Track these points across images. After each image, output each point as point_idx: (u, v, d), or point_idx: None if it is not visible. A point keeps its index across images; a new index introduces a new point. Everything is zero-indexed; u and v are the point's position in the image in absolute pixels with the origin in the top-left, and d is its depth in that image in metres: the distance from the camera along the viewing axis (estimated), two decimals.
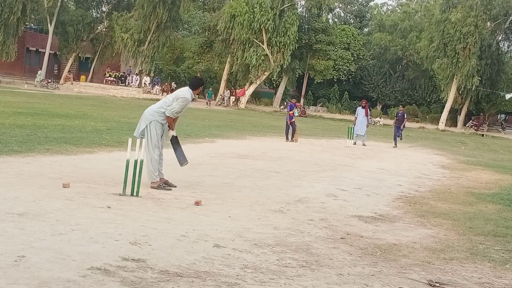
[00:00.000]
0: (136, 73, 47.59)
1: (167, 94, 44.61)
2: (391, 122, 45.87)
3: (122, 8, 48.81)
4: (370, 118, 41.41)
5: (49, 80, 44.27)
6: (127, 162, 6.76)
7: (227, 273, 4.18)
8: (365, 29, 62.72)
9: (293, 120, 18.26)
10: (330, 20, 56.68)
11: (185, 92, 7.62)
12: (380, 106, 57.22)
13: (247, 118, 31.92)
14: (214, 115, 30.56)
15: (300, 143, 17.75)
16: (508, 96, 42.33)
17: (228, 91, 47.52)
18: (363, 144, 19.29)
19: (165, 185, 7.48)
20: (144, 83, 46.00)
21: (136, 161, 6.78)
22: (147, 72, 46.73)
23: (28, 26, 51.40)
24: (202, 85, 7.90)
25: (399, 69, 58.20)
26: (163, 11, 44.36)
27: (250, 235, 5.43)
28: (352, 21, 61.49)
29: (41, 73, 43.14)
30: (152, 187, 7.35)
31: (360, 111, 20.17)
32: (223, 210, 6.47)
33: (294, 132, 18.21)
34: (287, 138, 18.15)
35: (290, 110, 18.60)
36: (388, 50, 55.14)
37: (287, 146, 16.41)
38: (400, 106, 24.39)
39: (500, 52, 47.12)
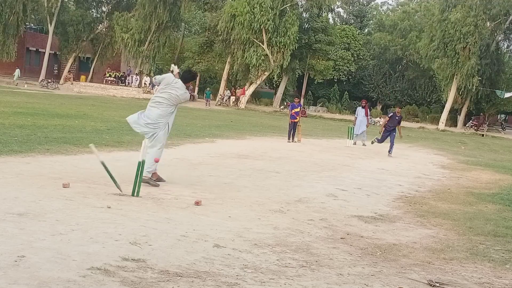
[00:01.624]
0: (136, 73, 47.63)
1: None
2: None
3: (122, 8, 48.86)
4: (370, 118, 41.49)
5: (49, 80, 44.30)
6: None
7: (227, 273, 4.18)
8: (365, 29, 62.75)
9: (295, 120, 18.07)
10: (331, 20, 56.72)
11: (170, 74, 7.83)
12: (380, 106, 57.25)
13: (247, 118, 31.92)
14: (214, 115, 30.56)
15: (300, 143, 17.73)
16: (507, 94, 42.35)
17: (228, 91, 47.54)
18: (363, 144, 19.27)
19: (155, 180, 7.55)
20: (144, 83, 46.05)
21: (139, 163, 6.83)
22: (147, 72, 46.77)
23: (28, 26, 51.46)
24: (193, 79, 8.17)
25: (399, 69, 58.24)
26: (164, 11, 44.40)
27: (250, 235, 5.43)
28: (352, 21, 61.54)
29: (19, 71, 42.86)
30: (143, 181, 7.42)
31: (360, 111, 20.14)
32: (223, 210, 6.47)
33: (295, 132, 18.09)
34: (289, 138, 18.04)
35: (291, 110, 18.44)
36: (388, 50, 55.17)
37: (287, 146, 16.40)
38: (398, 107, 18.25)
39: (499, 52, 47.14)
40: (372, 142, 17.27)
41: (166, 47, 48.78)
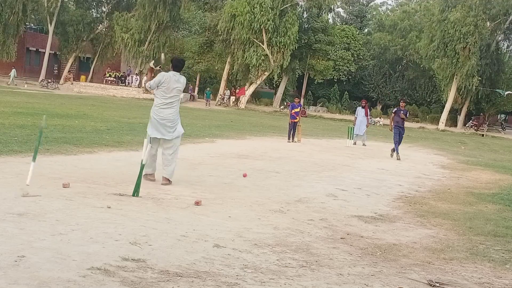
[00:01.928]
0: (136, 73, 47.65)
1: None
2: None
3: (122, 8, 48.89)
4: (370, 118, 41.19)
5: (49, 80, 44.31)
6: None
7: (227, 273, 4.18)
8: (365, 29, 62.79)
9: (295, 120, 18.04)
10: (331, 20, 56.77)
11: (163, 72, 7.94)
12: (380, 106, 57.27)
13: (247, 118, 31.92)
14: (214, 115, 30.56)
15: (300, 143, 17.73)
16: (507, 92, 42.42)
17: (228, 91, 47.54)
18: (363, 144, 19.27)
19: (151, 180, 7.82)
20: (144, 83, 46.06)
21: (143, 164, 6.85)
22: (146, 72, 46.74)
23: (28, 26, 51.49)
24: (183, 66, 8.25)
25: (399, 69, 58.27)
26: (164, 11, 44.41)
27: (250, 235, 5.43)
28: (352, 22, 61.55)
29: (15, 71, 42.69)
30: (165, 184, 7.66)
31: (360, 111, 20.15)
32: (223, 210, 6.47)
33: (295, 132, 18.06)
34: (289, 138, 18.02)
35: (291, 110, 18.42)
36: (388, 50, 55.21)
37: (287, 146, 16.41)
38: (401, 101, 16.49)
39: (499, 52, 47.17)
40: (398, 158, 15.22)
41: (166, 47, 48.76)
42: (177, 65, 7.94)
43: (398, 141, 15.45)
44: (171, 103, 7.73)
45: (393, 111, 16.18)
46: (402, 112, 15.62)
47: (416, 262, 5.06)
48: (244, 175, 9.30)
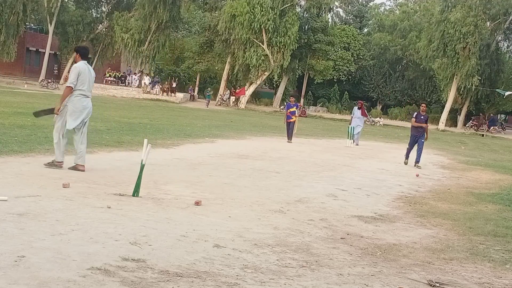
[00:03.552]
0: (135, 73, 47.68)
1: (167, 94, 44.76)
2: (391, 122, 45.92)
3: (122, 8, 48.90)
4: (370, 117, 41.18)
5: (49, 80, 44.33)
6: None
7: (227, 273, 4.18)
8: (365, 29, 62.78)
9: (291, 120, 17.93)
10: (330, 20, 56.75)
11: (76, 64, 8.05)
12: (380, 106, 57.26)
13: (247, 118, 31.92)
14: (214, 115, 30.55)
15: (300, 143, 17.72)
16: (507, 93, 42.42)
17: (228, 91, 47.56)
18: (356, 144, 19.20)
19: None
20: (144, 83, 46.07)
21: (143, 164, 6.84)
22: (147, 72, 46.81)
23: (28, 26, 51.51)
24: (89, 52, 8.54)
25: (399, 69, 58.26)
26: (164, 11, 44.42)
27: (250, 235, 5.43)
28: (351, 22, 61.55)
29: None
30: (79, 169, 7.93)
31: (356, 111, 20.24)
32: (223, 210, 6.47)
33: (292, 132, 17.96)
34: (288, 138, 17.96)
35: (287, 110, 18.30)
36: (387, 50, 55.20)
37: (287, 146, 16.40)
38: (423, 104, 14.67)
39: (499, 52, 47.18)
40: (406, 163, 14.22)
41: (166, 47, 48.78)
42: (85, 53, 8.14)
43: (411, 149, 14.18)
44: (89, 94, 8.04)
45: (414, 116, 14.37)
46: (423, 118, 14.02)
47: (416, 262, 5.06)
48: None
